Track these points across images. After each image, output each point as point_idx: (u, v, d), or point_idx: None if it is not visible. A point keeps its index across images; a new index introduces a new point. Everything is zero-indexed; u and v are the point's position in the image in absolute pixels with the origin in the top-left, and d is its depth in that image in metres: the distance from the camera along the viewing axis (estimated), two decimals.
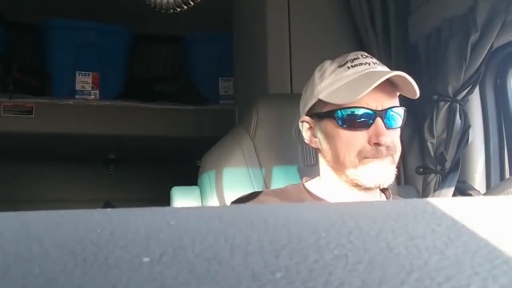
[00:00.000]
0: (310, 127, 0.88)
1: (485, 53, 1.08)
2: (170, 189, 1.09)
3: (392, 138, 0.82)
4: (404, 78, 0.79)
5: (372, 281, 0.18)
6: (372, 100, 0.80)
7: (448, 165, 1.15)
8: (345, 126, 0.81)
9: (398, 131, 0.85)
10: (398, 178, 1.19)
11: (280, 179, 1.04)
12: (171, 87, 2.62)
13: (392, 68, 0.86)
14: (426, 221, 0.25)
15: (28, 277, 0.18)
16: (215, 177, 1.05)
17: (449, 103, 1.14)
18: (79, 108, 2.05)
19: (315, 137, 0.88)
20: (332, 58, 0.88)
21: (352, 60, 0.84)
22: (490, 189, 1.16)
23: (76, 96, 2.21)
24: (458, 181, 1.11)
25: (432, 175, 1.17)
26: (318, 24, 1.43)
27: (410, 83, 0.79)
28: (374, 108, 0.80)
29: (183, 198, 1.06)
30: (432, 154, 1.18)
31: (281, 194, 0.89)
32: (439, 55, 1.17)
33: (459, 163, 1.12)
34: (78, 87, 2.24)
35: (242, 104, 1.62)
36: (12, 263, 0.19)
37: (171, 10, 0.62)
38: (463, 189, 1.13)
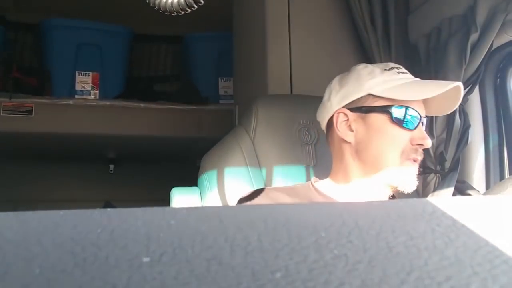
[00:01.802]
0: (347, 120, 0.88)
1: (484, 53, 1.08)
2: (170, 189, 1.09)
3: None
4: (457, 95, 0.84)
5: (372, 281, 0.18)
6: (419, 106, 0.85)
7: (447, 165, 1.15)
8: (396, 122, 0.83)
9: None
10: None
11: (280, 179, 1.04)
12: (171, 87, 2.63)
13: None
14: (426, 221, 0.25)
15: (28, 277, 0.18)
16: (215, 177, 1.05)
17: None
18: (79, 108, 2.05)
19: (352, 131, 0.87)
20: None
21: (398, 68, 0.89)
22: (489, 189, 1.16)
23: (76, 96, 2.21)
24: (457, 181, 1.11)
25: (432, 175, 1.17)
26: (318, 24, 1.43)
27: (454, 105, 0.86)
28: (420, 113, 0.84)
29: (183, 199, 1.06)
30: (432, 154, 1.18)
31: (290, 191, 0.88)
32: (439, 55, 1.17)
33: (458, 163, 1.12)
34: (78, 87, 2.24)
35: (242, 104, 1.62)
36: (12, 263, 0.19)
37: (175, 13, 0.62)
38: (462, 189, 1.13)
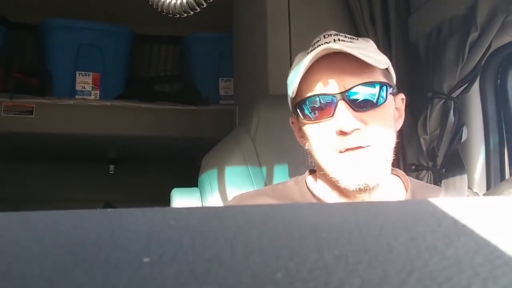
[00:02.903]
0: (299, 128, 0.79)
1: (482, 52, 1.08)
2: (170, 189, 1.09)
3: (368, 121, 0.69)
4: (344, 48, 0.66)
5: (372, 282, 0.18)
6: (331, 83, 0.69)
7: (439, 161, 1.14)
8: (309, 119, 0.72)
9: (381, 113, 0.70)
10: None
11: (281, 180, 1.04)
12: (172, 88, 2.63)
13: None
14: (426, 221, 0.25)
15: (28, 277, 0.18)
16: (216, 178, 1.05)
17: (443, 100, 1.14)
18: (80, 108, 2.06)
19: (302, 137, 0.79)
20: None
21: (313, 44, 0.74)
22: (490, 190, 1.16)
23: (77, 96, 2.21)
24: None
25: (424, 171, 1.17)
26: (318, 24, 1.43)
27: (361, 57, 0.66)
28: (333, 92, 0.69)
29: (183, 199, 1.06)
30: (424, 150, 1.17)
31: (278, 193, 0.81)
32: (438, 55, 1.17)
33: (451, 160, 1.12)
34: (78, 87, 2.25)
35: (243, 104, 1.62)
36: (12, 263, 0.19)
37: (177, 15, 0.62)
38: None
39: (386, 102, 0.71)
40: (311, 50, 0.72)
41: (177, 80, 2.71)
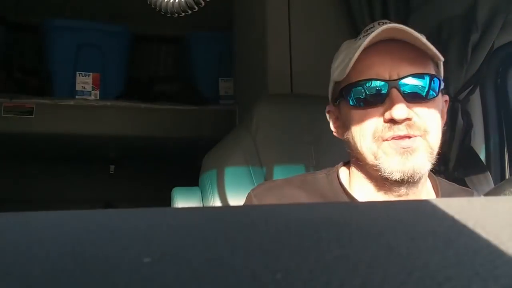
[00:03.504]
0: (336, 117, 0.77)
1: (486, 53, 1.08)
2: (171, 189, 1.09)
3: (419, 112, 0.67)
4: (404, 31, 0.64)
5: (373, 282, 0.18)
6: (384, 69, 0.67)
7: (451, 165, 1.14)
8: (356, 104, 0.69)
9: (432, 105, 0.68)
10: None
11: None
12: (172, 87, 2.62)
13: None
14: (426, 221, 0.25)
15: (28, 277, 0.18)
16: (216, 177, 1.05)
17: (450, 103, 1.14)
18: (80, 108, 2.06)
19: (339, 126, 0.76)
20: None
21: (367, 30, 0.71)
22: (490, 190, 1.16)
23: (77, 97, 2.21)
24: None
25: (436, 175, 1.17)
26: (318, 24, 1.43)
27: (421, 42, 0.65)
28: (387, 78, 0.67)
29: (184, 199, 1.06)
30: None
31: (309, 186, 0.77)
32: None
33: (466, 161, 1.12)
34: (78, 87, 2.24)
35: (243, 104, 1.62)
36: (12, 263, 0.19)
37: (176, 14, 0.62)
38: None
39: (436, 97, 0.70)
40: (366, 35, 0.69)
41: (177, 80, 2.71)
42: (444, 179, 0.85)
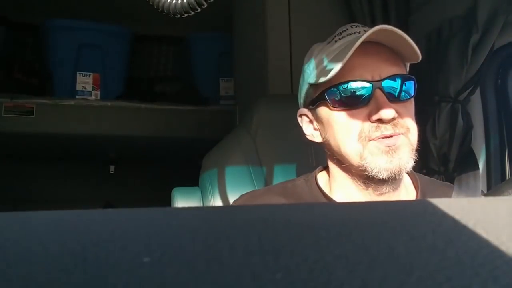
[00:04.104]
0: (310, 120, 0.78)
1: (486, 54, 1.08)
2: (171, 189, 1.09)
3: (401, 112, 0.69)
4: (393, 33, 0.66)
5: (373, 282, 0.18)
6: (366, 71, 0.69)
7: (451, 165, 1.14)
8: (339, 106, 0.70)
9: (409, 105, 0.71)
10: None
11: (282, 179, 1.04)
12: (172, 88, 2.63)
13: None
14: (426, 221, 0.25)
15: (28, 277, 0.18)
16: (216, 177, 1.05)
17: (450, 103, 1.14)
18: (80, 108, 2.06)
19: (316, 129, 0.77)
20: None
21: (341, 33, 0.74)
22: (490, 190, 1.16)
23: (77, 97, 2.21)
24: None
25: (436, 176, 1.17)
26: (318, 24, 1.43)
27: (407, 43, 0.67)
28: (370, 79, 0.69)
29: (184, 199, 1.06)
30: (435, 155, 1.17)
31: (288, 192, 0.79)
32: (439, 56, 1.17)
33: (462, 163, 1.12)
34: (78, 87, 2.25)
35: (243, 104, 1.62)
36: (12, 263, 0.19)
37: (178, 15, 0.62)
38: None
39: (412, 98, 0.72)
40: (341, 38, 0.73)
41: (177, 80, 2.71)
42: (423, 175, 0.85)
